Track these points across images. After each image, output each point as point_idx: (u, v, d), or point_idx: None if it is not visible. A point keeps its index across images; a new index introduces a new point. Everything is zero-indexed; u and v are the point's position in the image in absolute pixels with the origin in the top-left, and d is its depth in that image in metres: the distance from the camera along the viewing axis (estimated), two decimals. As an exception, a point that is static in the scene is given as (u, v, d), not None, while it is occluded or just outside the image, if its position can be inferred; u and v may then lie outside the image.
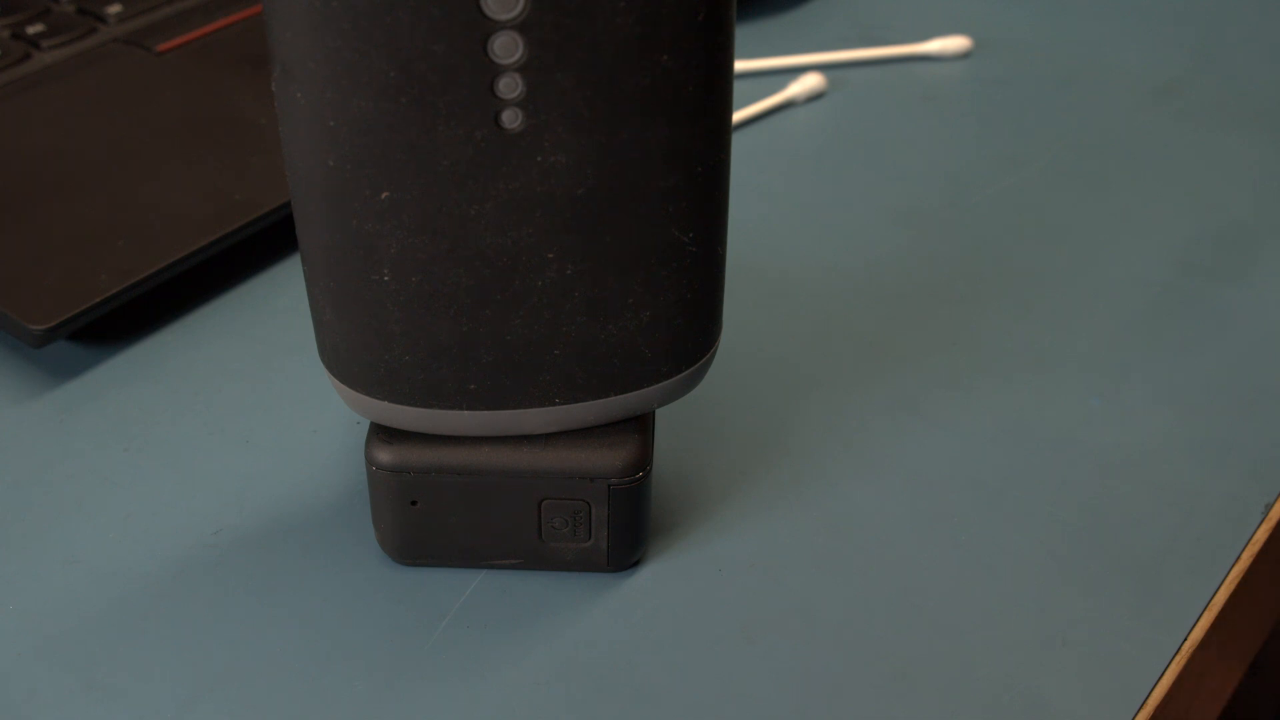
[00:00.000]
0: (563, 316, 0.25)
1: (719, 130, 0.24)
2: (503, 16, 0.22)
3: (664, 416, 0.34)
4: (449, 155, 0.23)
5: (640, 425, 0.28)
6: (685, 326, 0.26)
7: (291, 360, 0.36)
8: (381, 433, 0.28)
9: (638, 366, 0.27)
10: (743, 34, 0.52)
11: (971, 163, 0.44)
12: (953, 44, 0.50)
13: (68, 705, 0.27)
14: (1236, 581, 0.30)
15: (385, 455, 0.27)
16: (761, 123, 0.47)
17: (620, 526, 0.29)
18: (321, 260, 0.25)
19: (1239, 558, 0.31)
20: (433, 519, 0.29)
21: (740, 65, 0.49)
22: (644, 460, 0.28)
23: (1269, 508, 0.32)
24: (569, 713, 0.27)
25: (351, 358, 0.26)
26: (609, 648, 0.29)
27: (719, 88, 0.24)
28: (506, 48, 0.22)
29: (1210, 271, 0.39)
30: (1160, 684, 0.28)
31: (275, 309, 0.38)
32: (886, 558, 0.30)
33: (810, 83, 0.48)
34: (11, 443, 0.33)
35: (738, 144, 0.45)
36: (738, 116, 0.46)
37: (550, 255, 0.24)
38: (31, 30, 0.46)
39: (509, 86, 0.22)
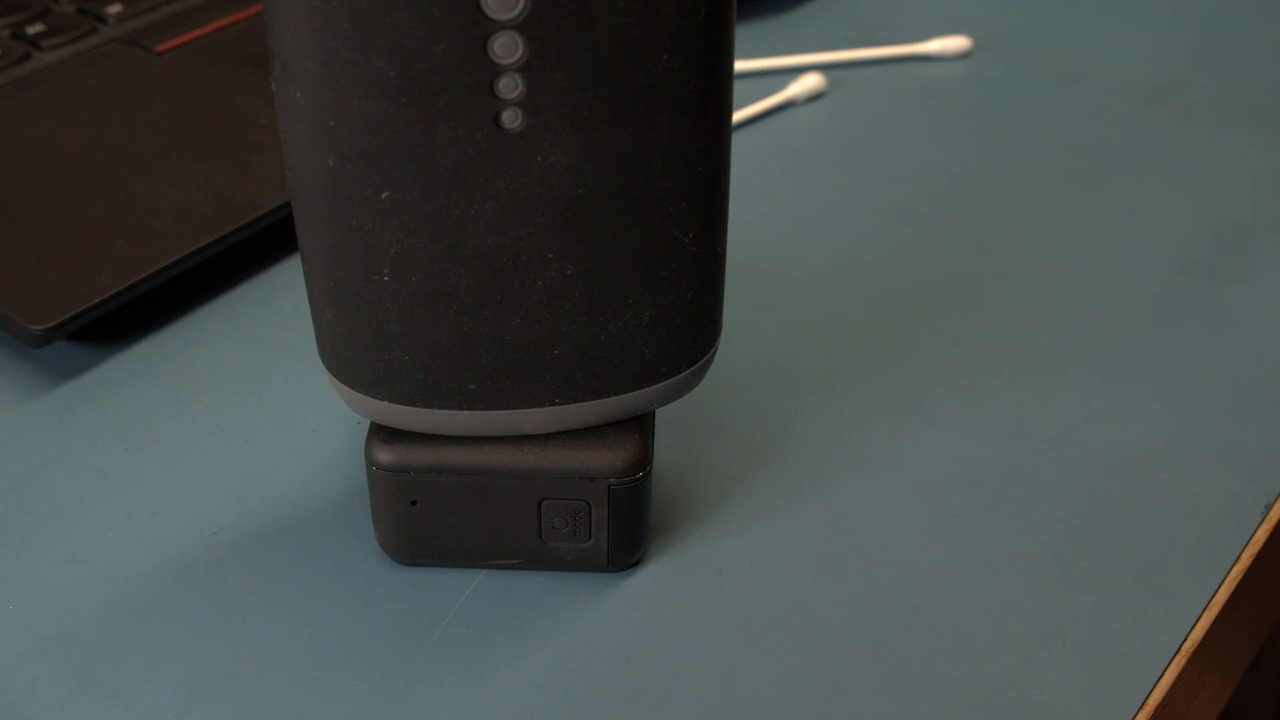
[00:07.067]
0: (563, 316, 0.25)
1: (719, 130, 0.24)
2: (503, 16, 0.22)
3: (664, 416, 0.34)
4: (449, 155, 0.23)
5: (640, 425, 0.28)
6: (685, 326, 0.26)
7: (291, 360, 0.36)
8: (381, 433, 0.28)
9: (638, 366, 0.27)
10: (743, 34, 0.52)
11: (972, 163, 0.44)
12: (953, 44, 0.50)
13: (68, 705, 0.27)
14: (1236, 581, 0.30)
15: (385, 455, 0.27)
16: (761, 123, 0.47)
17: (620, 526, 0.29)
18: (321, 260, 0.25)
19: (1239, 558, 0.31)
20: (433, 519, 0.29)
21: (740, 65, 0.49)
22: (644, 460, 0.28)
23: (1269, 508, 0.32)
24: (569, 713, 0.27)
25: (351, 358, 0.26)
26: (609, 648, 0.29)
27: (719, 88, 0.24)
28: (506, 48, 0.22)
29: (1210, 271, 0.39)
30: (1160, 684, 0.28)
31: (275, 309, 0.38)
32: (886, 558, 0.30)
33: (810, 83, 0.48)
34: (11, 443, 0.33)
35: (738, 144, 0.45)
36: (738, 116, 0.46)
37: (550, 255, 0.24)
38: (31, 30, 0.46)
39: (509, 86, 0.22)
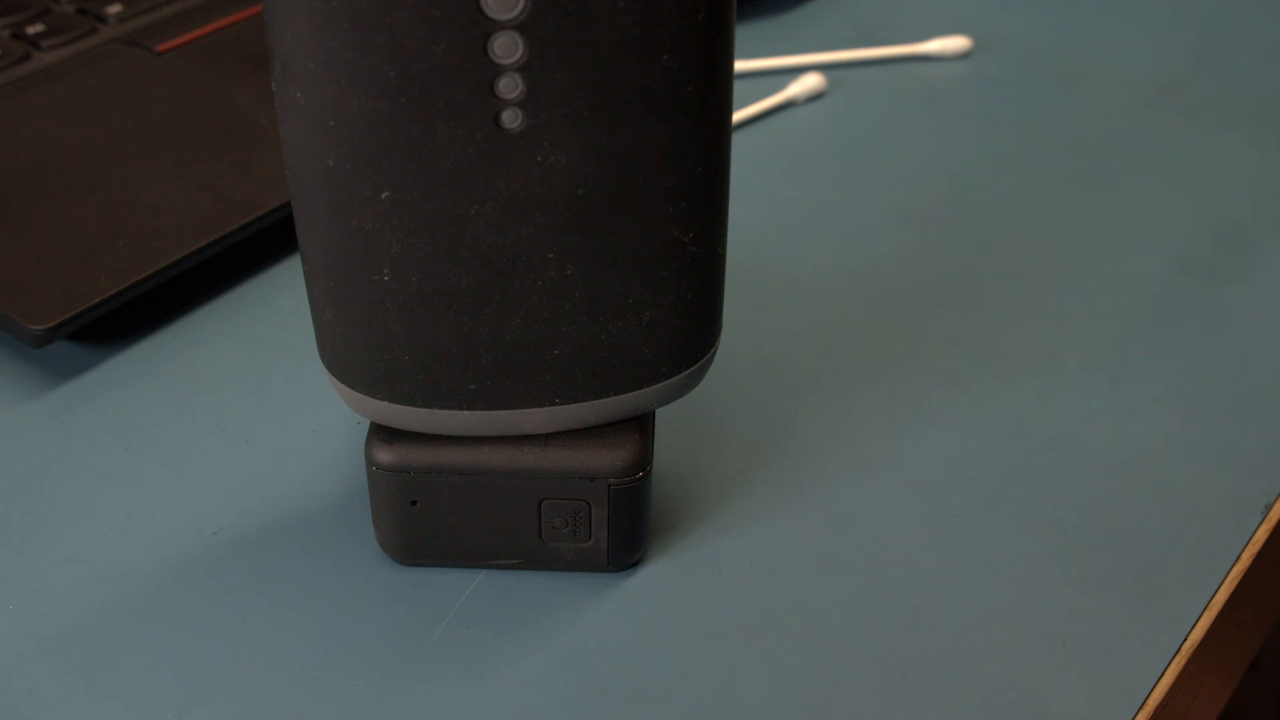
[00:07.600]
0: (563, 316, 0.25)
1: (719, 130, 0.24)
2: (503, 16, 0.22)
3: (664, 416, 0.34)
4: (449, 155, 0.23)
5: (640, 425, 0.28)
6: (685, 326, 0.26)
7: (291, 360, 0.36)
8: (381, 433, 0.28)
9: (638, 366, 0.27)
10: (743, 34, 0.52)
11: (972, 163, 0.44)
12: (953, 44, 0.50)
13: (68, 705, 0.27)
14: (1236, 581, 0.30)
15: (385, 455, 0.27)
16: (761, 123, 0.47)
17: (620, 526, 0.29)
18: (321, 260, 0.25)
19: (1239, 558, 0.31)
20: (433, 519, 0.29)
21: (740, 65, 0.49)
22: (644, 460, 0.28)
23: (1269, 508, 0.32)
24: (569, 713, 0.27)
25: (351, 358, 0.26)
26: (609, 648, 0.29)
27: (719, 88, 0.24)
28: (506, 48, 0.22)
29: (1210, 271, 0.39)
30: (1160, 684, 0.28)
31: (275, 309, 0.38)
32: (886, 558, 0.30)
33: (810, 83, 0.48)
34: (11, 443, 0.33)
35: (738, 144, 0.45)
36: (738, 116, 0.46)
37: (550, 255, 0.24)
38: (31, 30, 0.46)
39: (509, 86, 0.22)
